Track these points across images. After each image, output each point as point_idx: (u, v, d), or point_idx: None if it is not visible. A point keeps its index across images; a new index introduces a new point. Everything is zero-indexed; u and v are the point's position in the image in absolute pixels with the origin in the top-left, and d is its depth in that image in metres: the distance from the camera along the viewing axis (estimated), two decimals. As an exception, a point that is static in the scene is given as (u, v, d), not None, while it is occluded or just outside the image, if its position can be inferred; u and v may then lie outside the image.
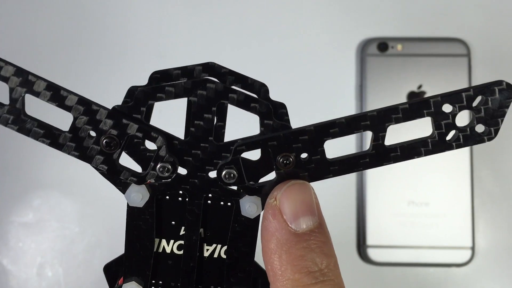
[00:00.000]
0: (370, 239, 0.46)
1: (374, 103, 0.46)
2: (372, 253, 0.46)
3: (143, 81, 0.22)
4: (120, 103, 0.21)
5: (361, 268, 0.46)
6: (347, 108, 0.48)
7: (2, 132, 0.48)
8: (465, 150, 0.46)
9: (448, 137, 0.21)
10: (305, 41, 0.49)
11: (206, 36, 0.49)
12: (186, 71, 0.22)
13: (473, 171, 0.46)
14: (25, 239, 0.47)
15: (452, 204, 0.46)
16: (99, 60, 0.49)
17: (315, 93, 0.48)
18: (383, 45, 0.47)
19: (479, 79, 0.47)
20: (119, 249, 0.23)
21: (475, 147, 0.46)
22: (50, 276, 0.47)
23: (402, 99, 0.47)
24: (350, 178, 0.47)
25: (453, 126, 0.21)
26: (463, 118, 0.21)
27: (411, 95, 0.47)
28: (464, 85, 0.47)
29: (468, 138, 0.21)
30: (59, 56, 0.49)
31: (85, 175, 0.48)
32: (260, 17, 0.49)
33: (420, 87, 0.47)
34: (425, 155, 0.21)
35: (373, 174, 0.46)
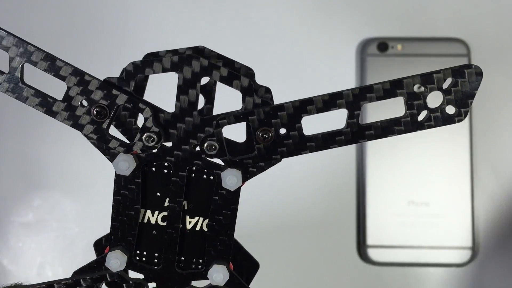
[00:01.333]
0: (370, 239, 0.46)
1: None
2: (372, 253, 0.46)
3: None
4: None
5: (361, 268, 0.46)
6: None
7: (3, 133, 0.48)
8: (465, 150, 0.46)
9: (420, 118, 0.22)
10: (305, 40, 0.49)
11: (205, 35, 0.49)
12: (177, 54, 0.23)
13: (473, 171, 0.46)
14: (25, 239, 0.47)
15: (452, 204, 0.46)
16: (98, 58, 0.49)
17: (314, 93, 0.48)
18: (383, 45, 0.47)
19: (479, 79, 0.47)
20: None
21: (475, 146, 0.46)
22: (50, 276, 0.47)
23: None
24: (350, 178, 0.47)
25: (424, 106, 0.22)
26: (437, 99, 0.22)
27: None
28: (464, 85, 0.47)
29: (438, 119, 0.22)
30: (58, 55, 0.49)
31: (85, 175, 0.48)
32: (260, 17, 0.49)
33: (420, 87, 0.47)
34: (398, 134, 0.22)
35: (373, 174, 0.46)
